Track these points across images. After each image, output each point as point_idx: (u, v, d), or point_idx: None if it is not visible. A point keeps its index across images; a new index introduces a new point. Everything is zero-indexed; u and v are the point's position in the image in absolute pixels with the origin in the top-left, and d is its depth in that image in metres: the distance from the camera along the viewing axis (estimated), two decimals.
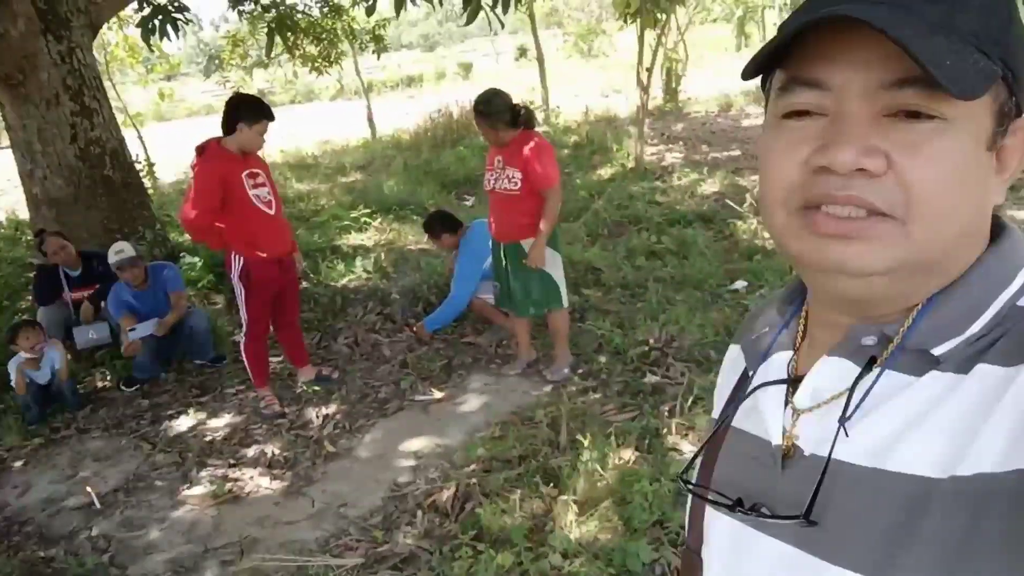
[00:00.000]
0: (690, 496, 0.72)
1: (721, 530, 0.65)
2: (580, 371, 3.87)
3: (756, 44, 27.78)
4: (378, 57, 13.07)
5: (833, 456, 0.54)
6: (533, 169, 3.49)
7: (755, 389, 0.64)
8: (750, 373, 0.68)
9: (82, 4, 5.64)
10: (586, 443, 2.98)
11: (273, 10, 4.95)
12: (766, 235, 5.59)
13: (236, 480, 3.33)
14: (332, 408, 3.87)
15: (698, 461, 0.71)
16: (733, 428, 0.68)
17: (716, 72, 18.33)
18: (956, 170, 0.49)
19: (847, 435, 0.54)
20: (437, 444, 3.42)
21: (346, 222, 7.05)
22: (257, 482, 3.31)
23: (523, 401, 3.69)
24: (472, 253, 4.35)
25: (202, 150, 3.54)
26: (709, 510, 0.67)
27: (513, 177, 3.55)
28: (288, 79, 16.73)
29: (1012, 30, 0.50)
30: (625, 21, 9.04)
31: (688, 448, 3.05)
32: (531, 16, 12.84)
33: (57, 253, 4.60)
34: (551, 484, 2.88)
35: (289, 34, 5.29)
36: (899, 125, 0.48)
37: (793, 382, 0.62)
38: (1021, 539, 0.44)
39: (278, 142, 11.46)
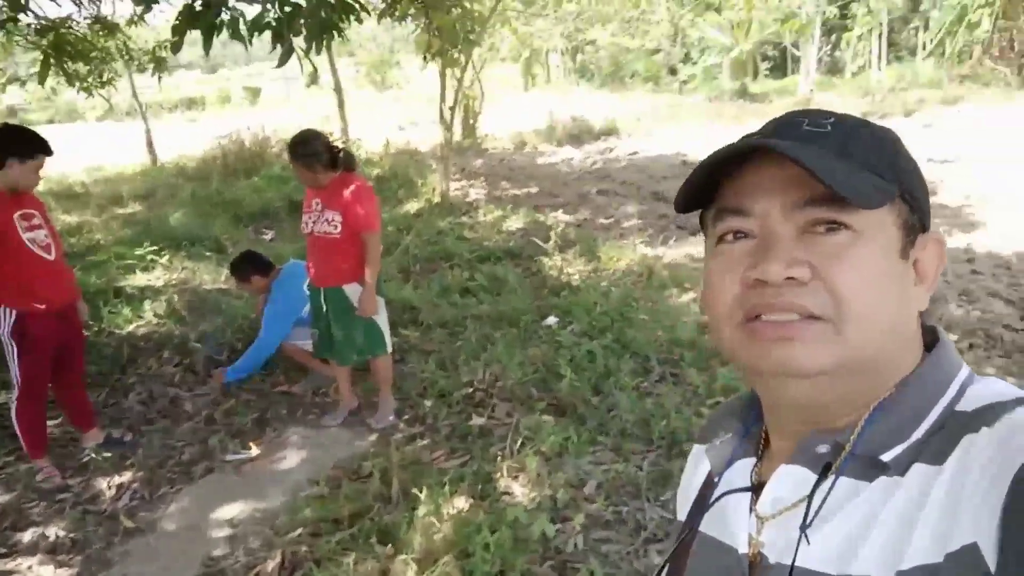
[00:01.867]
0: None
1: None
2: (406, 416, 3.80)
3: (541, 84, 29.46)
4: (159, 80, 12.09)
5: (798, 564, 0.57)
6: (354, 212, 3.41)
7: (720, 496, 0.67)
8: (716, 479, 0.70)
9: None
10: (422, 496, 2.91)
11: (50, 33, 4.32)
12: (571, 271, 5.89)
13: (11, 573, 2.83)
14: (127, 476, 3.44)
15: (666, 569, 0.72)
16: (700, 533, 0.70)
17: (507, 110, 19.17)
18: (873, 274, 0.56)
19: (808, 543, 0.57)
20: (255, 508, 3.17)
21: (129, 260, 6.38)
22: (37, 572, 2.84)
23: (348, 453, 3.53)
24: (285, 295, 4.11)
25: None
26: None
27: (333, 220, 3.44)
28: (46, 95, 14.92)
29: (900, 158, 0.60)
30: (425, 60, 9.16)
31: (520, 491, 3.09)
32: (328, 46, 12.59)
33: None
34: (387, 544, 2.77)
35: (67, 60, 4.66)
36: (817, 239, 0.56)
37: (756, 488, 0.65)
38: None
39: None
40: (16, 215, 3.11)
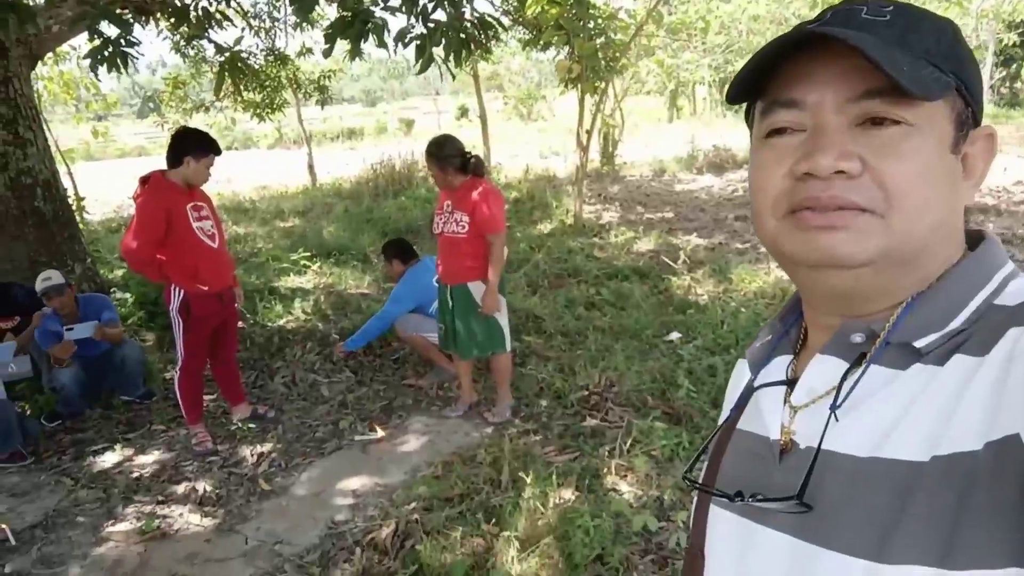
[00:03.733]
0: (695, 496, 0.75)
1: (724, 526, 0.68)
2: (521, 414, 3.91)
3: (687, 116, 29.15)
4: (322, 107, 13.17)
5: (826, 447, 0.58)
6: (480, 212, 3.58)
7: (755, 391, 0.70)
8: (753, 379, 0.72)
9: (22, 34, 5.54)
10: (528, 481, 3.00)
11: (226, 52, 4.97)
12: (699, 291, 5.81)
13: (165, 517, 3.20)
14: (268, 446, 3.78)
15: (703, 460, 0.74)
16: (737, 429, 0.72)
17: (649, 140, 19.12)
18: (925, 167, 0.55)
19: (837, 420, 0.58)
20: (376, 483, 3.38)
21: (285, 264, 6.99)
22: (187, 519, 3.19)
23: (464, 442, 3.69)
24: (413, 281, 4.51)
25: (146, 180, 3.51)
26: (713, 508, 0.70)
27: (461, 220, 3.64)
28: (226, 125, 16.55)
29: (959, 50, 0.58)
30: (566, 86, 9.41)
31: (627, 489, 3.11)
32: (475, 76, 13.19)
33: None
34: (492, 522, 2.88)
35: (240, 75, 5.30)
36: (869, 132, 0.55)
37: (792, 383, 0.66)
38: (1004, 509, 0.47)
39: (215, 186, 11.34)
40: (188, 206, 3.54)
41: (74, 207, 7.37)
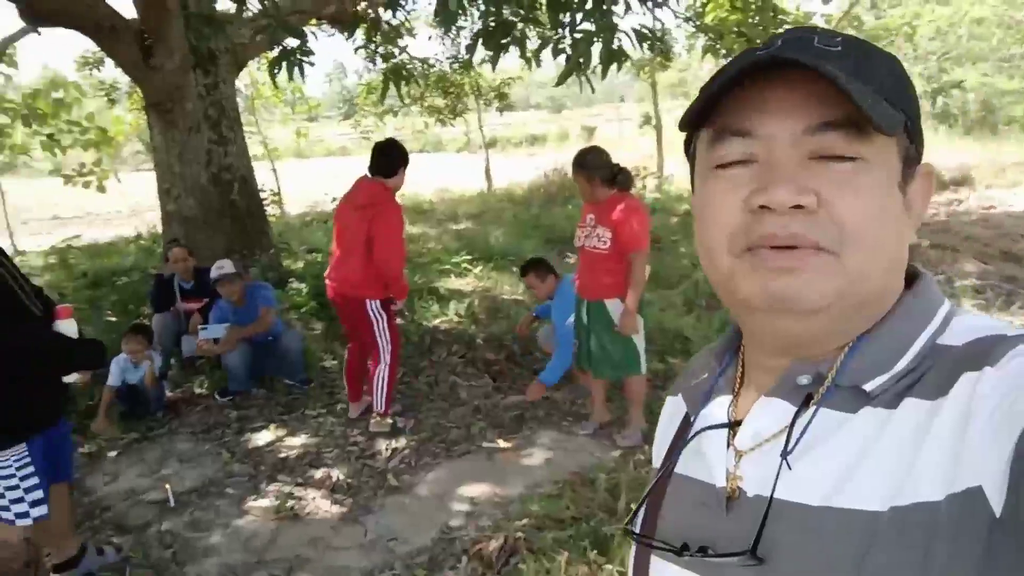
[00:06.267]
0: (633, 547, 0.70)
1: None
2: None
3: None
4: (501, 113, 13.56)
5: (778, 496, 0.55)
6: (624, 229, 3.49)
7: (696, 434, 0.65)
8: (692, 419, 0.69)
9: (228, 43, 6.20)
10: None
11: (390, 60, 5.29)
12: None
13: (300, 499, 3.43)
14: (401, 443, 3.94)
15: (642, 510, 0.70)
16: (676, 474, 0.68)
17: None
18: (879, 205, 0.53)
19: (790, 468, 0.55)
20: (495, 493, 3.41)
21: (447, 266, 7.26)
22: (318, 504, 3.40)
23: (588, 462, 3.62)
24: (566, 294, 4.23)
25: (383, 189, 3.78)
26: (655, 561, 0.66)
27: (603, 236, 3.56)
28: (418, 128, 17.51)
29: (906, 85, 0.57)
30: None
31: None
32: (653, 84, 12.99)
33: (177, 263, 5.03)
34: (599, 551, 2.80)
35: (404, 83, 5.59)
36: (825, 166, 0.52)
37: (734, 425, 0.63)
38: (967, 564, 0.45)
39: None
40: None
41: (269, 202, 8.14)
